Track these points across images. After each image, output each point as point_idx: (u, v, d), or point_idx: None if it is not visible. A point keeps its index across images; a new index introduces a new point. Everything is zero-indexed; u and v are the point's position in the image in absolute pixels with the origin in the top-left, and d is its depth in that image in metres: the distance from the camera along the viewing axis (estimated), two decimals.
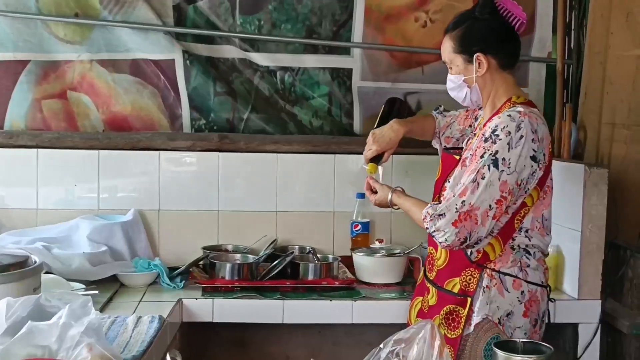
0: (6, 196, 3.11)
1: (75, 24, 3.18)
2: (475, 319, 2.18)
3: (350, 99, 3.35)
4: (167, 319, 2.31)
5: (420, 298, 2.41)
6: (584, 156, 3.17)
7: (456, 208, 2.09)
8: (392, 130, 2.62)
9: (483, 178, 2.08)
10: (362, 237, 3.16)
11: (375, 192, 2.50)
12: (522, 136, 2.09)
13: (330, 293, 2.72)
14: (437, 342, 1.34)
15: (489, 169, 2.08)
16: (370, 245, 3.03)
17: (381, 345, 1.42)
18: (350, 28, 3.32)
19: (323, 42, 3.32)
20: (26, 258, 2.01)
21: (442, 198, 2.25)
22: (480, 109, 2.42)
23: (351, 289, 2.78)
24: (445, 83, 2.37)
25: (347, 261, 2.99)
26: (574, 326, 2.72)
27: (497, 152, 2.09)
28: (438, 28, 3.24)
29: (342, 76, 3.35)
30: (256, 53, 3.30)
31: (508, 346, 1.58)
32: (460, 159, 2.28)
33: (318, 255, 2.97)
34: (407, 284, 2.83)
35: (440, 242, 2.13)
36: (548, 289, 2.31)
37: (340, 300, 2.66)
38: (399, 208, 2.44)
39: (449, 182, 2.27)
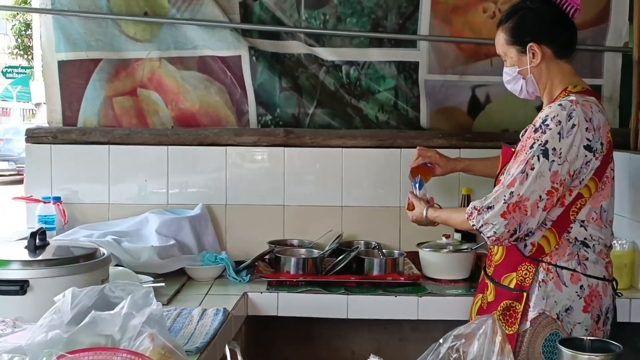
0: (80, 191, 3.21)
1: (144, 23, 3.25)
2: (532, 314, 2.12)
3: (417, 92, 3.31)
4: (231, 311, 2.33)
5: (481, 295, 2.36)
6: None
7: (504, 199, 2.04)
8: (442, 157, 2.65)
9: (532, 169, 2.04)
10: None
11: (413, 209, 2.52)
12: (574, 125, 2.03)
13: (396, 289, 2.69)
14: (498, 338, 1.30)
15: (538, 159, 2.04)
16: (437, 241, 2.98)
17: (441, 341, 1.39)
18: (416, 20, 3.27)
19: (389, 36, 3.29)
20: (95, 250, 2.06)
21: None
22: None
23: (417, 284, 2.74)
24: None
25: (413, 257, 2.96)
26: None
27: (547, 142, 2.04)
28: None
29: (408, 69, 3.30)
30: (321, 48, 3.29)
31: (574, 344, 1.52)
32: (514, 151, 2.23)
33: (383, 250, 2.94)
34: (474, 281, 2.77)
35: (488, 237, 2.07)
36: (614, 283, 2.21)
37: (405, 296, 2.63)
38: (436, 225, 2.44)
39: (503, 175, 2.21)
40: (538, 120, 2.10)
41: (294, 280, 2.72)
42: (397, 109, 3.32)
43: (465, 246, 2.89)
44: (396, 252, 2.95)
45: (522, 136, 2.29)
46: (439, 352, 1.37)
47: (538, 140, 2.06)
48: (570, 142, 2.03)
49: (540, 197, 2.03)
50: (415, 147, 3.15)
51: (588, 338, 1.55)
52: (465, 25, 3.28)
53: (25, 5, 15.03)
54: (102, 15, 3.24)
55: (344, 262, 2.76)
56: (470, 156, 3.07)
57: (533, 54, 2.18)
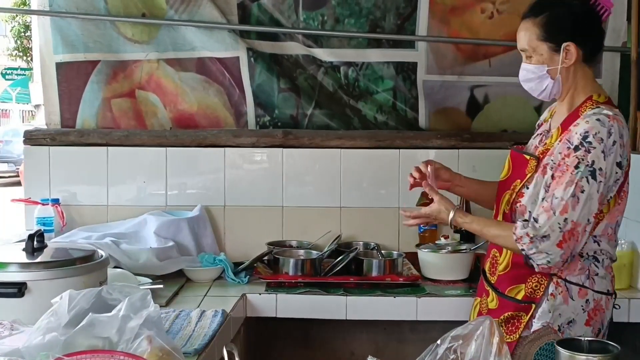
0: (78, 193, 3.20)
1: (142, 24, 3.25)
2: (535, 325, 2.07)
3: (415, 93, 3.31)
4: (230, 313, 2.33)
5: (479, 299, 2.29)
6: None
7: (560, 228, 1.95)
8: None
9: (582, 192, 1.95)
10: (430, 233, 3.11)
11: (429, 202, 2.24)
12: (614, 142, 1.96)
13: (395, 289, 2.69)
14: (495, 339, 1.30)
15: (587, 181, 1.95)
16: (436, 242, 2.98)
17: (438, 342, 1.39)
18: (414, 21, 3.27)
19: (387, 36, 3.29)
20: (93, 252, 2.05)
21: (517, 204, 2.09)
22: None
23: (416, 285, 2.74)
24: (514, 75, 2.18)
25: (413, 257, 2.95)
26: None
27: (593, 162, 1.95)
28: (505, 19, 3.19)
29: (406, 70, 3.30)
30: (319, 49, 3.29)
31: (573, 345, 1.51)
32: (529, 159, 2.11)
33: (382, 251, 2.94)
34: (473, 281, 2.76)
35: (539, 264, 1.99)
36: (614, 296, 2.16)
37: (404, 297, 2.63)
38: (460, 228, 2.27)
39: (527, 188, 2.08)
40: (575, 136, 1.99)
41: (293, 281, 2.72)
42: (396, 109, 3.32)
43: (464, 247, 2.89)
44: (395, 253, 2.95)
45: (533, 145, 2.19)
46: (437, 353, 1.36)
47: (584, 160, 1.96)
48: (612, 160, 1.96)
49: (588, 220, 1.97)
50: (414, 148, 3.18)
51: (586, 339, 1.55)
52: (463, 25, 3.27)
53: (24, 7, 15.02)
54: (100, 17, 3.23)
55: (343, 263, 2.76)
56: (470, 156, 3.09)
57: (567, 53, 2.04)
